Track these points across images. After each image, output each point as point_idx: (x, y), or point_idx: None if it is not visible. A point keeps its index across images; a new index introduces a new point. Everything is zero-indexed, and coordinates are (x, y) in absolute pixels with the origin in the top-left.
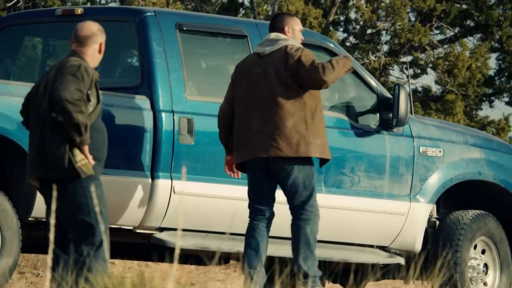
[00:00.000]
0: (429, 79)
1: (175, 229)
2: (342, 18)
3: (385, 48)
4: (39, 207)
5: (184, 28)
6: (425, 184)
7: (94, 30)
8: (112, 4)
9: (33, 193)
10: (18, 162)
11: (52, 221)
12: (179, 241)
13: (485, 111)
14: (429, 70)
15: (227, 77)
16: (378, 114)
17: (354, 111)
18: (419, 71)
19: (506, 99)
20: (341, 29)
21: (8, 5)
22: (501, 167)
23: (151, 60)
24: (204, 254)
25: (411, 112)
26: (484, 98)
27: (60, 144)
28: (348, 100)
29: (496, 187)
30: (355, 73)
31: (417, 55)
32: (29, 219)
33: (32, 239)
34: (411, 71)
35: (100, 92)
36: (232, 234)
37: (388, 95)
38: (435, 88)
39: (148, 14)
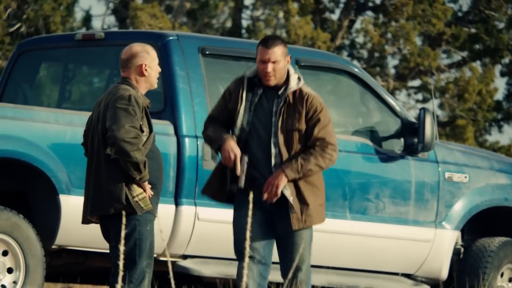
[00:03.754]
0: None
1: (199, 257)
2: (347, 42)
3: (392, 72)
4: (62, 234)
5: (207, 52)
6: (451, 211)
7: (132, 52)
8: (114, 29)
9: (56, 221)
10: (40, 188)
11: (122, 248)
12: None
13: (494, 136)
14: (437, 94)
15: None
16: (402, 139)
17: (378, 135)
18: (428, 96)
19: None
20: (346, 53)
21: (11, 30)
22: None
23: (174, 85)
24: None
25: (436, 137)
26: (493, 123)
27: (116, 180)
28: (372, 124)
29: None
30: (378, 97)
31: (426, 79)
32: (53, 247)
33: (53, 267)
34: (419, 96)
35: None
36: None
37: (412, 119)
38: (440, 113)
39: (171, 38)
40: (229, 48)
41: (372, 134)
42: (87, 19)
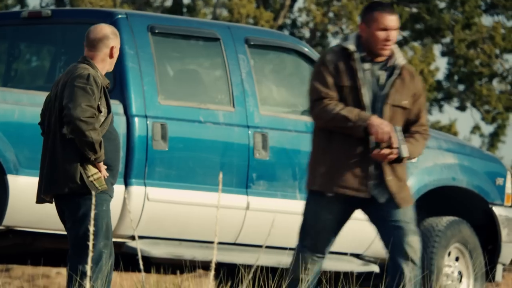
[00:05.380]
0: None
1: (148, 237)
2: (289, 21)
3: None
4: (10, 215)
5: (156, 31)
6: None
7: (106, 33)
8: (52, 7)
9: (4, 201)
10: None
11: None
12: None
13: (435, 116)
14: None
15: (200, 80)
16: None
17: None
18: None
19: (456, 104)
20: (288, 32)
21: None
22: (475, 172)
23: (123, 64)
24: (176, 262)
25: None
26: (434, 103)
27: (71, 160)
28: None
29: (469, 193)
30: None
31: None
32: (0, 227)
33: (0, 248)
34: None
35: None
36: (206, 242)
37: None
38: None
39: (119, 16)
40: (179, 27)
41: None
42: None
